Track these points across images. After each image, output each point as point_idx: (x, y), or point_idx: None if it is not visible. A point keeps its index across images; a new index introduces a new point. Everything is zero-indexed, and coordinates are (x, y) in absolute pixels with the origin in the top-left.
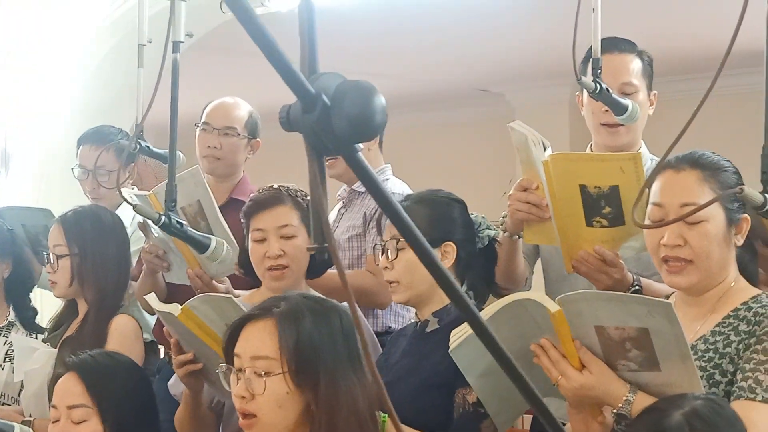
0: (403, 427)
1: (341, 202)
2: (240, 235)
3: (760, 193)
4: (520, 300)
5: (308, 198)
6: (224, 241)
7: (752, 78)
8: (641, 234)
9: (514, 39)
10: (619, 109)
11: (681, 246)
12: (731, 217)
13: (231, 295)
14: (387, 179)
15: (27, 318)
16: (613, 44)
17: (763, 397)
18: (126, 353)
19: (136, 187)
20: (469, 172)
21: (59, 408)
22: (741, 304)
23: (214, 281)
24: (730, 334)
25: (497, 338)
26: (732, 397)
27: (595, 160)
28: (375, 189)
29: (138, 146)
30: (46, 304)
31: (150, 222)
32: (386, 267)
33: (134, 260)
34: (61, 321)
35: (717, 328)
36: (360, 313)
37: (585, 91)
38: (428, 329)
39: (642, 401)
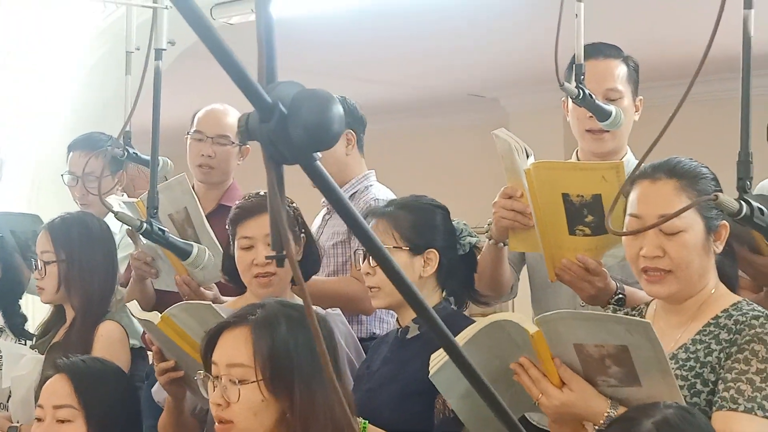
0: None
1: (325, 209)
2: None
3: (736, 199)
4: (499, 321)
5: (294, 205)
6: (206, 248)
7: (737, 83)
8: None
9: (509, 44)
10: (603, 115)
11: (660, 257)
12: (710, 225)
13: (210, 303)
14: (371, 185)
15: (16, 324)
16: (598, 50)
17: (745, 407)
18: (112, 359)
19: (125, 194)
20: (464, 178)
21: (45, 407)
22: (721, 312)
23: (201, 288)
24: (711, 343)
25: (466, 355)
26: (714, 408)
27: (577, 169)
28: (334, 198)
29: (126, 153)
30: (37, 311)
31: None
32: (368, 272)
33: (123, 267)
34: (48, 327)
35: (697, 337)
36: (317, 322)
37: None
38: (409, 336)
39: None
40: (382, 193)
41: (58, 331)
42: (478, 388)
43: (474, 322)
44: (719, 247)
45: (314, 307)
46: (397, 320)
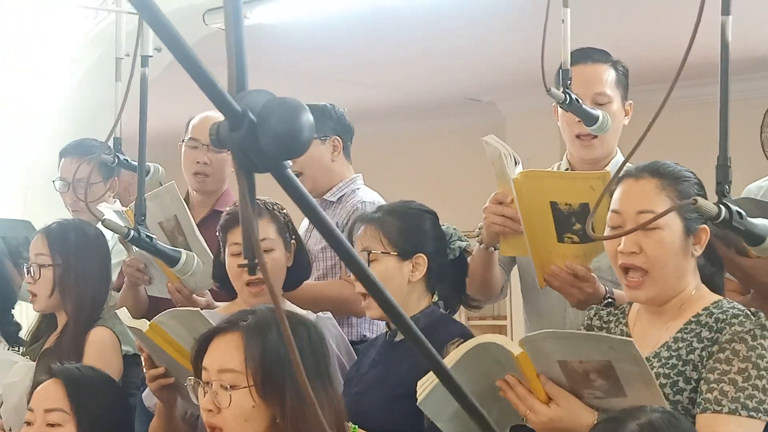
0: None
1: None
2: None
3: (715, 203)
4: (483, 344)
5: (285, 211)
6: (195, 255)
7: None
8: None
9: (504, 48)
10: (590, 120)
11: (636, 253)
12: (689, 227)
13: (198, 309)
14: (358, 188)
15: (10, 333)
16: (586, 54)
17: (729, 408)
18: (103, 365)
19: (118, 201)
20: (461, 181)
21: (36, 411)
22: (702, 310)
23: (194, 295)
24: (692, 341)
25: (451, 372)
26: (698, 409)
27: (564, 179)
28: (305, 206)
29: (116, 159)
30: (32, 319)
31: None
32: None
33: (116, 273)
34: (39, 334)
35: (679, 335)
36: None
37: None
38: (397, 338)
39: None
40: (368, 197)
41: (49, 338)
42: (462, 403)
43: (461, 324)
44: (698, 251)
45: (305, 312)
46: (387, 324)
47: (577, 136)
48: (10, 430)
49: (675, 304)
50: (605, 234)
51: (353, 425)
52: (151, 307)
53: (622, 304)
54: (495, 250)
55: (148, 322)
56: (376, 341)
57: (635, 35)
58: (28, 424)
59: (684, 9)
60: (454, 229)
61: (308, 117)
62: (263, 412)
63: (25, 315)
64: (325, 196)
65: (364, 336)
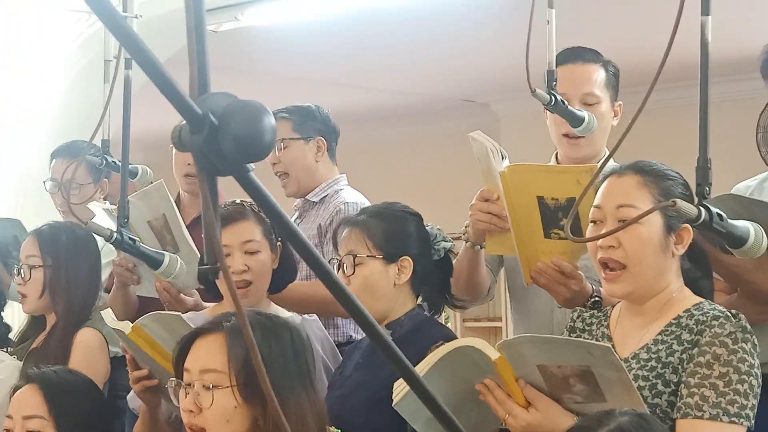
0: None
1: (297, 213)
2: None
3: (695, 205)
4: (461, 347)
5: None
6: (178, 258)
7: (719, 88)
8: None
9: (499, 49)
10: (575, 121)
11: (615, 248)
12: (670, 224)
13: (179, 314)
14: (341, 189)
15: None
16: (577, 54)
17: (710, 414)
18: (90, 366)
19: (108, 202)
20: (456, 183)
21: (14, 418)
22: (683, 312)
23: (182, 294)
24: (672, 343)
25: (424, 378)
26: (679, 414)
27: (551, 172)
28: (268, 208)
29: (104, 161)
30: (24, 319)
31: None
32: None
33: (107, 272)
34: (27, 334)
35: (659, 337)
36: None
37: None
38: None
39: None
40: (351, 197)
41: (37, 338)
42: (432, 410)
43: (445, 327)
44: (680, 250)
45: (290, 315)
46: None
47: (565, 135)
48: None
49: (655, 306)
50: (588, 229)
51: (336, 428)
52: (140, 308)
53: (609, 303)
54: (481, 248)
55: (131, 324)
56: (361, 343)
57: (627, 38)
58: (8, 431)
59: (685, 12)
60: (439, 229)
61: (270, 120)
62: (245, 413)
63: (17, 316)
64: (308, 197)
65: (350, 337)
